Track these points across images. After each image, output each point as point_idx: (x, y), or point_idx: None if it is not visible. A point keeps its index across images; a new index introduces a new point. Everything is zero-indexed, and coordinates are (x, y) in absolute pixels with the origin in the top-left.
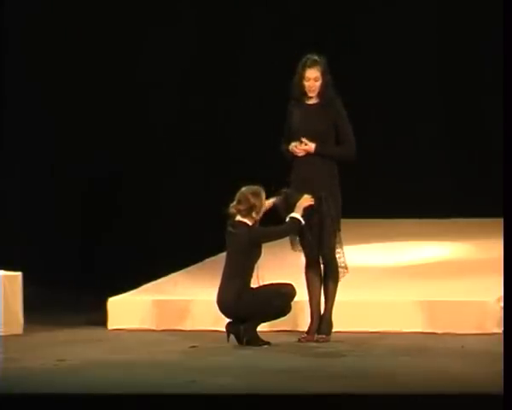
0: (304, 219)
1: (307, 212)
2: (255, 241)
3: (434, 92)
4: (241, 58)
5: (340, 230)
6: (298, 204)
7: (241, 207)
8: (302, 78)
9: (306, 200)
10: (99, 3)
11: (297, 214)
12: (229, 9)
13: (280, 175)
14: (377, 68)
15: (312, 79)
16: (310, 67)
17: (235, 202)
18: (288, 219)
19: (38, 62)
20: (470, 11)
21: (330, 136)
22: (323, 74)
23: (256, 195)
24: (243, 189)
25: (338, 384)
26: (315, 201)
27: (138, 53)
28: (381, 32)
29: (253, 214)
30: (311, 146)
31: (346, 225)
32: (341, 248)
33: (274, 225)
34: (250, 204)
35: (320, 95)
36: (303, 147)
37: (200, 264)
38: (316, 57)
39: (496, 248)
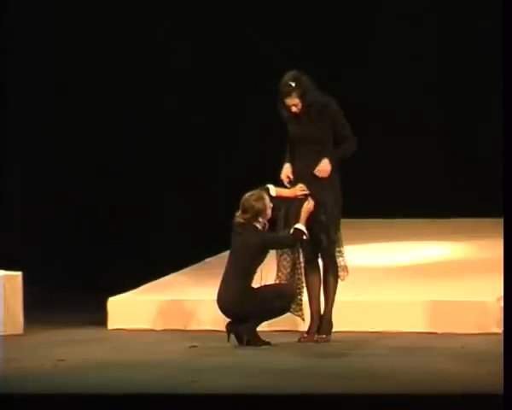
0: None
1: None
2: (267, 247)
3: (434, 93)
4: (245, 68)
5: (339, 230)
6: (302, 214)
7: (248, 215)
8: (284, 104)
9: (308, 208)
10: None
11: (301, 226)
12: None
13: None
14: (378, 70)
15: (292, 105)
16: (286, 96)
17: (240, 212)
18: (292, 230)
19: (43, 57)
20: (469, 12)
21: (329, 139)
22: (302, 97)
23: (259, 199)
24: (246, 196)
25: (338, 384)
26: (315, 201)
27: (137, 57)
28: (382, 36)
29: (261, 219)
30: (328, 168)
31: (346, 225)
32: (342, 248)
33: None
34: (255, 210)
35: (311, 104)
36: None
37: (200, 264)
38: (291, 83)
39: (496, 248)
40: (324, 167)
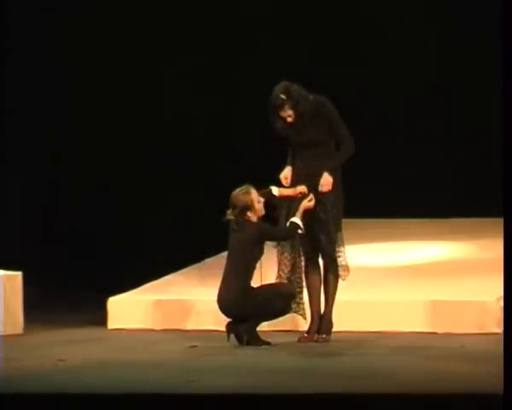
0: (305, 219)
1: (309, 212)
2: (262, 237)
3: (434, 92)
4: (245, 68)
5: (341, 230)
6: (300, 208)
7: (237, 211)
8: (278, 116)
9: (307, 204)
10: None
11: (297, 220)
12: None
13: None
14: (378, 70)
15: (287, 116)
16: (280, 108)
17: (230, 209)
18: (288, 224)
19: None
20: (468, 11)
21: (329, 140)
22: (295, 107)
23: (246, 193)
24: (233, 193)
25: (338, 384)
26: (315, 200)
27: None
28: (382, 36)
29: (249, 213)
30: (330, 182)
31: (346, 225)
32: (343, 248)
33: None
34: (243, 204)
35: (304, 112)
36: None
37: (200, 264)
38: (282, 95)
39: (496, 248)
40: (326, 182)
